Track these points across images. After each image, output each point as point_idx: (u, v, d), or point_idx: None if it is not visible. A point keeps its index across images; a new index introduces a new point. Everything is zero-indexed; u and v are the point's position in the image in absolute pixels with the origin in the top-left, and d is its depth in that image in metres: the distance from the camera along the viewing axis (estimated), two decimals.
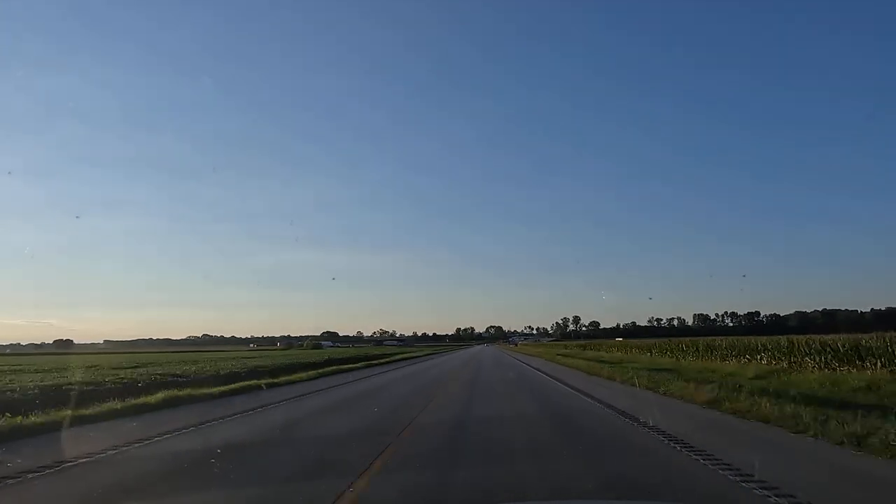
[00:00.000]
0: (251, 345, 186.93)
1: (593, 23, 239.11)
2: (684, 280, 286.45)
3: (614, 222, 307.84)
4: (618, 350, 58.63)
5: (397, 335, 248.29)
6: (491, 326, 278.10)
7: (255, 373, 25.72)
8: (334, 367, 34.74)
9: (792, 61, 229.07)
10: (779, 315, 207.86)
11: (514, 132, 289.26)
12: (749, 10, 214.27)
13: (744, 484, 6.33)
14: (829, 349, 22.11)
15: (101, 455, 8.50)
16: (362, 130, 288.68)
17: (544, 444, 9.42)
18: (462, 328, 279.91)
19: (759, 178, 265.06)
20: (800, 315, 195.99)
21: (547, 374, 28.67)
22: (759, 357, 27.48)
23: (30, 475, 7.23)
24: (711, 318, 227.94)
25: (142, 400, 14.60)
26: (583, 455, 8.24)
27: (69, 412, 12.00)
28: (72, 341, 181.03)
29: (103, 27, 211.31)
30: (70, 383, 16.14)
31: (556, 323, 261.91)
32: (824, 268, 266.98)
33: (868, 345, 20.25)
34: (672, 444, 8.79)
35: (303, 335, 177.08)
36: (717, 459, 7.55)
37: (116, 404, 13.56)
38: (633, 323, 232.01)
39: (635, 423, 10.98)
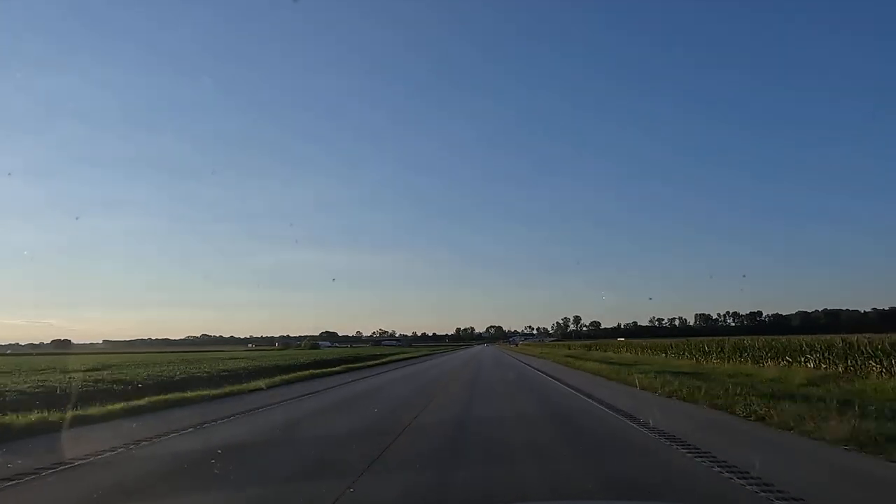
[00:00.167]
0: (249, 345, 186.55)
1: (593, 23, 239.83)
2: (684, 280, 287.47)
3: (614, 222, 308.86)
4: (626, 350, 56.21)
5: (396, 335, 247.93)
6: (491, 326, 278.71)
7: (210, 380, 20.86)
8: (308, 372, 28.48)
9: (792, 61, 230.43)
10: (781, 315, 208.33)
11: (514, 132, 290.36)
12: (749, 10, 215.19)
13: None
14: None
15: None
16: (362, 130, 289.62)
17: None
18: (462, 328, 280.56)
19: (759, 178, 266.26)
20: (802, 315, 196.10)
21: (575, 389, 18.86)
22: (802, 360, 24.18)
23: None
24: (713, 318, 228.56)
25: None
26: None
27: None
28: (70, 341, 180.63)
29: (103, 27, 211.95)
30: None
31: (557, 323, 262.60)
32: (824, 268, 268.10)
33: None
34: None
35: (302, 335, 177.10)
36: None
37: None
38: (635, 323, 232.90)
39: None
